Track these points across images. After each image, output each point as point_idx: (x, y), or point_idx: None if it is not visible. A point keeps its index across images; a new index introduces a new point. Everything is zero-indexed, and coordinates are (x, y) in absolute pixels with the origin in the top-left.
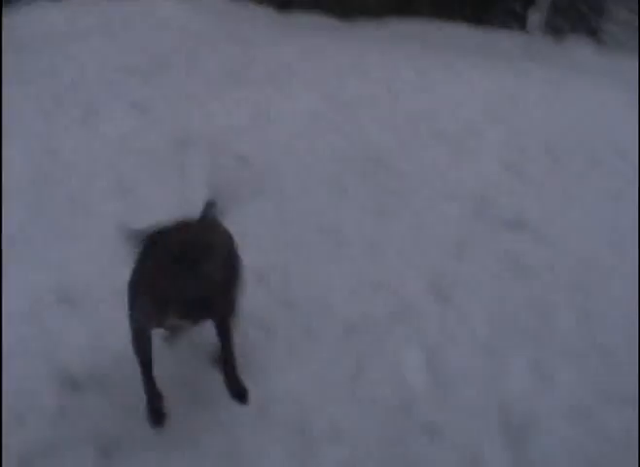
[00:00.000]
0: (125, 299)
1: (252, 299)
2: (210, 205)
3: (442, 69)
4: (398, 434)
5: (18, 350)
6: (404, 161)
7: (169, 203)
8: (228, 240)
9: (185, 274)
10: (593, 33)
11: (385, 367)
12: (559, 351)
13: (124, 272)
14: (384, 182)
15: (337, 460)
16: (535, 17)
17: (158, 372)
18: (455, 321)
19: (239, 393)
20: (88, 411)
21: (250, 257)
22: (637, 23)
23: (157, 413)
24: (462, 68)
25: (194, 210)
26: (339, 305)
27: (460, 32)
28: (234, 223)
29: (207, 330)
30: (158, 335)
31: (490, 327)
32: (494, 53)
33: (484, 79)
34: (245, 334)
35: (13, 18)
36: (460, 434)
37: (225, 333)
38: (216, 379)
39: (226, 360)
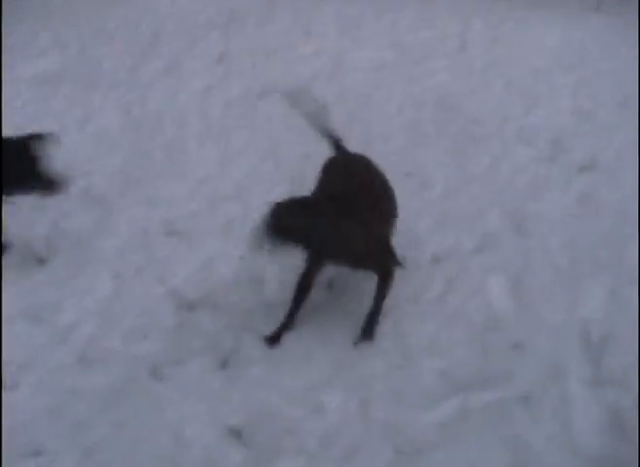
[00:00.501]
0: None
1: None
2: (339, 142)
3: (511, 21)
4: (486, 348)
5: (135, 276)
6: (478, 107)
7: (259, 148)
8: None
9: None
10: None
11: (471, 290)
12: (632, 279)
13: (225, 208)
14: (461, 128)
15: (433, 369)
16: None
17: None
18: (536, 252)
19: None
20: (203, 328)
21: None
22: None
23: (277, 337)
24: (530, 20)
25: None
26: (426, 238)
27: None
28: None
29: None
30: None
31: (568, 257)
32: (561, 5)
33: (553, 30)
34: None
35: None
36: (543, 349)
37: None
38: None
39: (375, 307)
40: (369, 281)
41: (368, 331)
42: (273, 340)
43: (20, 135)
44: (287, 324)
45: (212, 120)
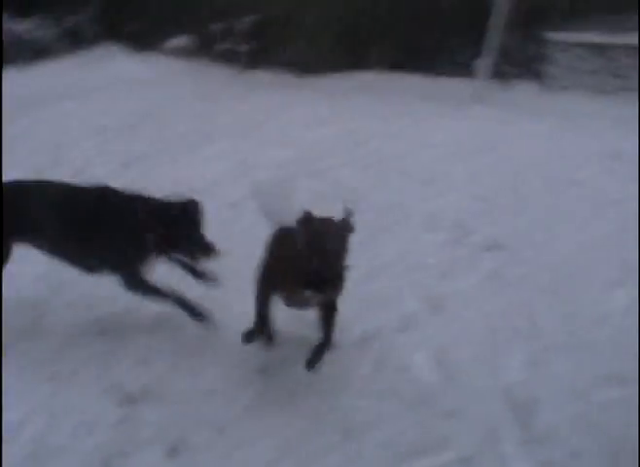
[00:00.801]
0: None
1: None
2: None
3: (401, 116)
4: (421, 419)
5: (72, 375)
6: (382, 198)
7: None
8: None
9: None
10: (537, 76)
11: (399, 367)
12: (548, 345)
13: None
14: (371, 218)
15: (375, 442)
16: (482, 64)
17: None
18: (455, 327)
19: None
20: (148, 419)
21: None
22: (576, 66)
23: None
24: (419, 114)
25: None
26: (353, 319)
27: (411, 82)
28: None
29: None
30: None
31: (486, 329)
32: (446, 98)
33: (441, 122)
34: None
35: None
36: (475, 415)
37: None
38: None
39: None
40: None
41: (312, 361)
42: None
43: (180, 199)
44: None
45: None
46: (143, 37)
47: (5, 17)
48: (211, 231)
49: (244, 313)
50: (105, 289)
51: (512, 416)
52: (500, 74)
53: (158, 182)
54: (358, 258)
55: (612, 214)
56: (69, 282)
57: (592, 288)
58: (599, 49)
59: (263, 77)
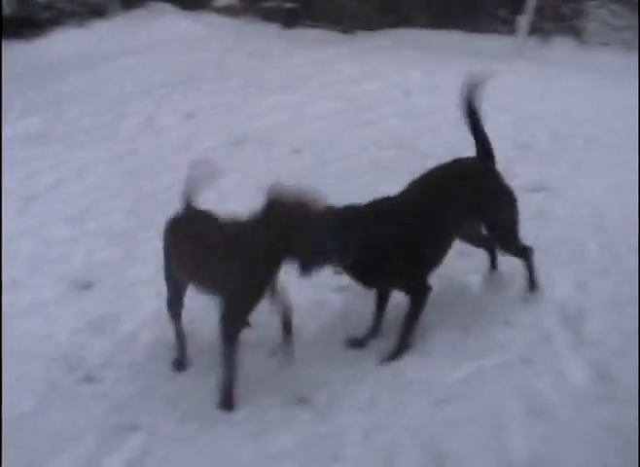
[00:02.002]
0: None
1: None
2: None
3: (445, 70)
4: (484, 326)
5: None
6: (430, 145)
7: (248, 188)
8: None
9: None
10: (576, 33)
11: (456, 288)
12: (594, 271)
13: None
14: (419, 164)
15: (446, 342)
16: (522, 20)
17: None
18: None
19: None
20: None
21: None
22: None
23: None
24: (462, 67)
25: None
26: None
27: (454, 38)
28: None
29: None
30: None
31: (535, 257)
32: (487, 53)
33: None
34: None
35: (45, 43)
36: (529, 323)
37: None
38: None
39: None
40: None
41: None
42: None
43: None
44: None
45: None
46: None
47: None
48: (279, 173)
49: None
50: None
51: (563, 324)
52: (539, 30)
53: (221, 131)
54: None
55: None
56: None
57: (626, 223)
58: (634, 4)
59: (307, 34)
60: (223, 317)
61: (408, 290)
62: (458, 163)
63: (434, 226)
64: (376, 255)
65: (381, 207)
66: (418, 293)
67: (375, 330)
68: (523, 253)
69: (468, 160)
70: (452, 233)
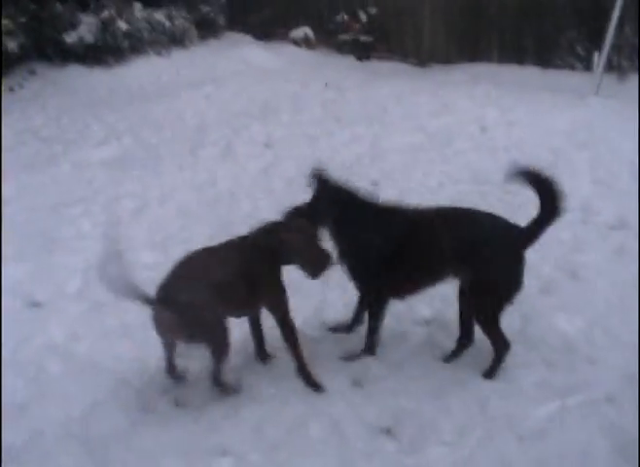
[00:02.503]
0: None
1: None
2: None
3: (521, 105)
4: (568, 365)
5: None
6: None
7: None
8: None
9: None
10: None
11: (546, 324)
12: None
13: None
14: (498, 198)
15: (533, 382)
16: (599, 57)
17: None
18: (588, 292)
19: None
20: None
21: None
22: None
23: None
24: (540, 104)
25: None
26: None
27: (530, 73)
28: None
29: None
30: None
31: (617, 294)
32: (562, 89)
33: (562, 112)
34: None
35: (126, 70)
36: (617, 362)
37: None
38: None
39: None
40: None
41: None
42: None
43: None
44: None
45: (278, 195)
46: (267, 27)
47: (139, 5)
48: None
49: None
50: None
51: None
52: (615, 67)
53: (298, 162)
54: None
55: None
56: None
57: None
58: None
59: (382, 66)
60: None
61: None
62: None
63: (413, 252)
64: (352, 251)
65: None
66: (372, 305)
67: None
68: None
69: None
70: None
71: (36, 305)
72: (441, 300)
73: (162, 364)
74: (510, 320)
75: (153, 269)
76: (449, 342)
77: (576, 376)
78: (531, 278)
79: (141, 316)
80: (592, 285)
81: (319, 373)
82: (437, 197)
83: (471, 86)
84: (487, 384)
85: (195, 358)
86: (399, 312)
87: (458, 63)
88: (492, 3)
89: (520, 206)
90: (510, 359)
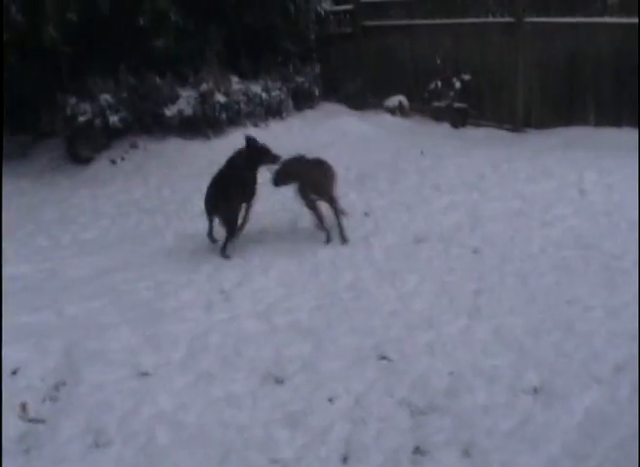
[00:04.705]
0: None
1: None
2: None
3: (619, 168)
4: None
5: (369, 390)
6: (612, 245)
7: (431, 287)
8: None
9: None
10: None
11: None
12: None
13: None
14: (600, 264)
15: None
16: None
17: None
18: None
19: None
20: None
21: None
22: None
23: None
24: (635, 166)
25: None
26: (604, 350)
27: (626, 134)
28: None
29: None
30: None
31: None
32: None
33: None
34: None
35: (225, 141)
36: None
37: None
38: None
39: None
40: None
41: None
42: None
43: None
44: None
45: (380, 264)
46: (362, 96)
47: (236, 78)
48: (459, 272)
49: None
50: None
51: None
52: None
53: (398, 230)
54: (600, 297)
55: None
56: (337, 315)
57: None
58: None
59: (477, 133)
60: None
61: None
62: None
63: None
64: None
65: None
66: None
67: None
68: None
69: None
70: None
71: (144, 374)
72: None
73: None
74: (619, 388)
75: (257, 337)
76: None
77: None
78: (637, 345)
79: (247, 385)
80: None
81: None
82: (540, 263)
83: (566, 149)
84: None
85: None
86: None
87: (554, 128)
88: (587, 65)
89: (625, 272)
90: (622, 429)
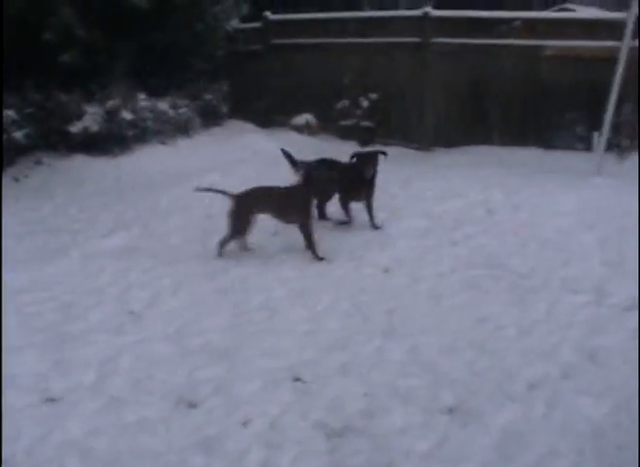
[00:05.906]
0: None
1: None
2: None
3: (525, 187)
4: (596, 451)
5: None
6: (521, 264)
7: (337, 307)
8: None
9: None
10: None
11: (570, 411)
12: None
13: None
14: (509, 282)
15: None
16: (599, 137)
17: None
18: (613, 378)
19: None
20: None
21: None
22: None
23: None
24: (543, 185)
25: None
26: (518, 370)
27: (532, 155)
28: None
29: None
30: None
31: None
32: (566, 170)
33: (566, 193)
34: None
35: (132, 159)
36: None
37: None
38: None
39: None
40: None
41: None
42: None
43: None
44: None
45: (291, 283)
46: (269, 114)
47: (143, 95)
48: (370, 292)
49: None
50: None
51: None
52: (616, 146)
53: None
54: (511, 316)
55: None
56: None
57: None
58: None
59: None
60: None
61: None
62: None
63: None
64: None
65: None
66: None
67: None
68: None
69: None
70: None
71: (53, 399)
72: None
73: None
74: (533, 406)
75: (169, 360)
76: None
77: (607, 463)
78: (550, 362)
79: (160, 409)
80: (613, 368)
81: None
82: (451, 282)
83: (474, 168)
84: None
85: None
86: None
87: (461, 147)
88: (493, 85)
89: (534, 290)
90: (538, 447)
